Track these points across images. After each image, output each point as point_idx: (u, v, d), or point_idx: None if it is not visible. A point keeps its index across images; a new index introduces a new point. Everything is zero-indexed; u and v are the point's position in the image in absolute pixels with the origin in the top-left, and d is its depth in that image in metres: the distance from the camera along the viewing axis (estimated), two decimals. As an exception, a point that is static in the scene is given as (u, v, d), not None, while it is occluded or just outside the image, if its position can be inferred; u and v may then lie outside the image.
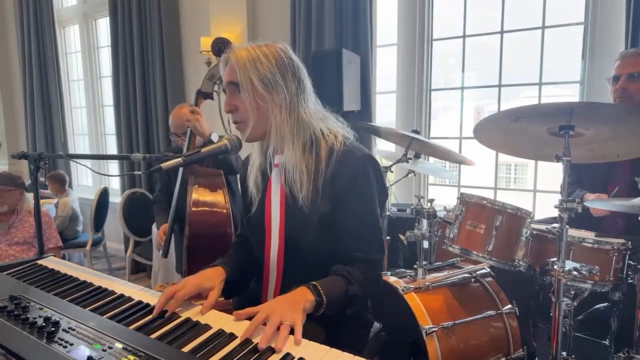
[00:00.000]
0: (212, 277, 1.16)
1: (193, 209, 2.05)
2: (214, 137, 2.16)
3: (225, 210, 2.06)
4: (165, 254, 2.25)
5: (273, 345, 0.89)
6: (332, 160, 1.15)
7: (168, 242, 2.23)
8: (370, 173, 1.18)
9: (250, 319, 0.99)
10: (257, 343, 0.91)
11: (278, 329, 0.93)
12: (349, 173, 1.15)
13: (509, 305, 1.69)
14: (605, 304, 1.75)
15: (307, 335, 0.96)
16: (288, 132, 1.16)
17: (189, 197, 2.07)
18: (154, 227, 3.24)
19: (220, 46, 2.14)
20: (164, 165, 1.16)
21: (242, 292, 1.34)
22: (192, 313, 1.05)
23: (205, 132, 2.18)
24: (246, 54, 1.14)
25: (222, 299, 1.26)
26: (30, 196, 3.05)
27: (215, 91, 2.24)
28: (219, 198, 2.10)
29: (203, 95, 2.21)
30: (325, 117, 1.23)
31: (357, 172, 1.16)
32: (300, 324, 0.96)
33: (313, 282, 1.09)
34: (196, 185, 2.11)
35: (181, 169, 2.21)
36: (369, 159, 1.19)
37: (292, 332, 0.95)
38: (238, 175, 1.61)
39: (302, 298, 1.04)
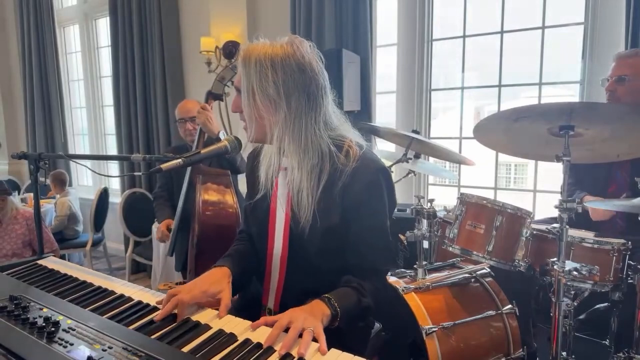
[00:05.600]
0: (219, 280, 1.14)
1: (203, 208, 2.06)
2: (222, 136, 2.17)
3: (234, 210, 2.07)
4: (171, 252, 2.26)
5: (294, 352, 0.88)
6: (344, 175, 1.11)
7: (174, 240, 2.23)
8: (383, 185, 1.16)
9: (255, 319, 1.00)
10: (257, 343, 0.91)
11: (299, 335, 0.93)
12: (362, 185, 1.12)
13: (509, 305, 1.69)
14: (605, 304, 1.75)
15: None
16: (294, 150, 1.11)
17: (198, 197, 2.08)
18: (154, 227, 3.24)
19: (232, 49, 2.16)
20: (164, 166, 1.16)
21: (244, 289, 1.33)
22: (195, 315, 1.05)
23: (214, 129, 2.19)
24: (255, 60, 1.08)
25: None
26: (13, 199, 2.89)
27: (225, 93, 2.24)
28: (227, 198, 2.11)
29: (213, 96, 2.23)
30: (336, 128, 1.17)
31: (370, 185, 1.13)
32: (323, 333, 0.94)
33: (327, 295, 1.07)
34: (205, 186, 2.12)
35: (189, 169, 2.23)
36: (382, 171, 1.16)
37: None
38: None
39: (319, 310, 1.03)
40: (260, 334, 0.94)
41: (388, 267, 1.23)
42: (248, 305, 1.30)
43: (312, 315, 0.99)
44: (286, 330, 0.94)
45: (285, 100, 1.08)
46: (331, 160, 1.13)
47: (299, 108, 1.10)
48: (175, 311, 1.03)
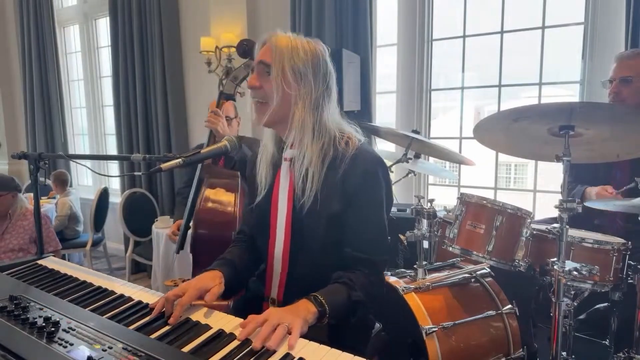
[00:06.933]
0: (212, 278, 1.16)
1: (201, 206, 2.07)
2: None
3: (232, 212, 2.06)
4: (178, 250, 2.25)
5: (266, 345, 0.89)
6: (344, 161, 1.16)
7: (182, 237, 2.22)
8: (380, 175, 1.20)
9: None
10: (252, 344, 0.91)
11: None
12: (359, 173, 1.16)
13: (509, 305, 1.69)
14: (605, 304, 1.75)
15: (309, 335, 0.96)
16: (310, 128, 1.17)
17: (200, 195, 2.09)
18: (154, 227, 3.25)
19: (245, 47, 2.14)
20: (164, 165, 1.17)
21: (237, 293, 1.33)
22: (195, 315, 1.05)
23: (225, 134, 2.19)
24: (286, 42, 1.16)
25: (221, 300, 1.26)
26: (24, 197, 2.99)
27: (239, 92, 2.23)
28: (228, 199, 2.10)
29: (225, 97, 2.21)
30: (339, 122, 1.25)
31: (367, 173, 1.17)
32: (297, 328, 0.95)
33: (314, 294, 1.08)
34: (209, 184, 2.14)
35: (199, 167, 2.23)
36: (379, 162, 1.21)
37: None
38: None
39: (304, 309, 1.04)
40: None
41: (383, 258, 1.22)
42: (248, 305, 1.30)
43: (292, 314, 0.99)
44: None
45: (313, 78, 1.17)
46: (334, 145, 1.19)
47: (319, 90, 1.18)
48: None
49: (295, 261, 1.23)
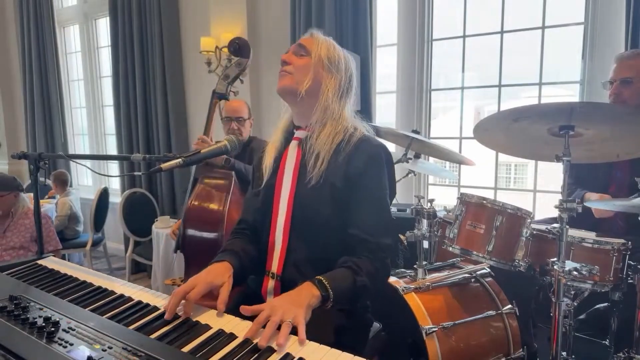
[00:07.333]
0: (222, 273, 1.16)
1: (190, 205, 2.07)
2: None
3: (220, 212, 2.05)
4: (176, 249, 2.26)
5: (274, 344, 0.89)
6: (350, 145, 1.24)
7: (179, 237, 2.23)
8: (383, 160, 1.26)
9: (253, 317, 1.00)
10: (257, 342, 0.91)
11: (279, 327, 0.93)
12: (364, 156, 1.23)
13: (509, 305, 1.69)
14: (605, 304, 1.75)
15: (311, 336, 0.95)
16: (333, 114, 1.28)
17: (193, 193, 2.10)
18: (154, 227, 3.25)
19: (236, 46, 2.12)
20: (164, 165, 1.17)
21: (240, 285, 1.33)
22: (195, 315, 1.05)
23: (217, 161, 2.18)
24: (326, 40, 1.33)
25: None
26: (27, 196, 3.03)
27: (233, 91, 2.21)
28: (218, 199, 2.10)
29: (218, 96, 2.18)
30: (354, 118, 1.35)
31: (371, 156, 1.24)
32: (303, 322, 0.95)
33: (319, 277, 1.09)
34: (201, 183, 2.14)
35: (194, 167, 2.23)
36: (383, 148, 1.27)
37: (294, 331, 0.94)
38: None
39: (307, 294, 1.04)
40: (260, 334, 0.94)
41: (387, 242, 1.22)
42: (248, 302, 1.29)
43: (294, 304, 0.99)
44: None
45: (344, 72, 1.31)
46: (344, 131, 1.28)
47: (345, 85, 1.32)
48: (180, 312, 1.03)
49: (295, 235, 1.25)
